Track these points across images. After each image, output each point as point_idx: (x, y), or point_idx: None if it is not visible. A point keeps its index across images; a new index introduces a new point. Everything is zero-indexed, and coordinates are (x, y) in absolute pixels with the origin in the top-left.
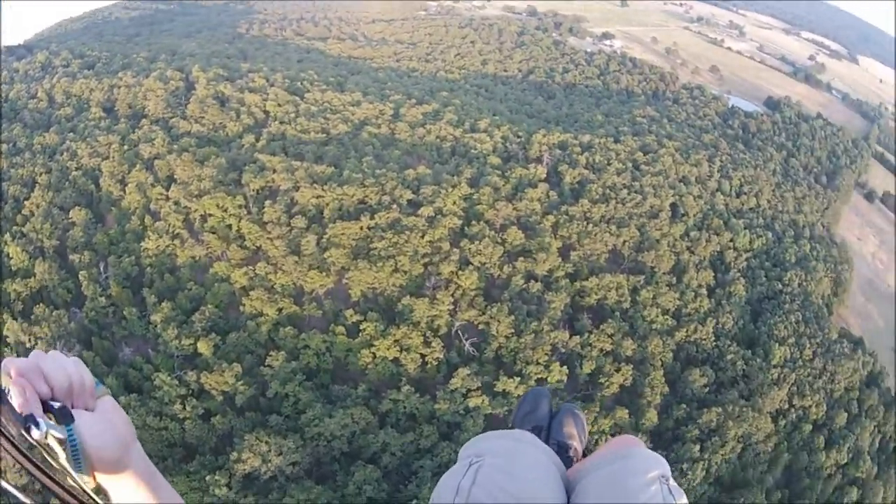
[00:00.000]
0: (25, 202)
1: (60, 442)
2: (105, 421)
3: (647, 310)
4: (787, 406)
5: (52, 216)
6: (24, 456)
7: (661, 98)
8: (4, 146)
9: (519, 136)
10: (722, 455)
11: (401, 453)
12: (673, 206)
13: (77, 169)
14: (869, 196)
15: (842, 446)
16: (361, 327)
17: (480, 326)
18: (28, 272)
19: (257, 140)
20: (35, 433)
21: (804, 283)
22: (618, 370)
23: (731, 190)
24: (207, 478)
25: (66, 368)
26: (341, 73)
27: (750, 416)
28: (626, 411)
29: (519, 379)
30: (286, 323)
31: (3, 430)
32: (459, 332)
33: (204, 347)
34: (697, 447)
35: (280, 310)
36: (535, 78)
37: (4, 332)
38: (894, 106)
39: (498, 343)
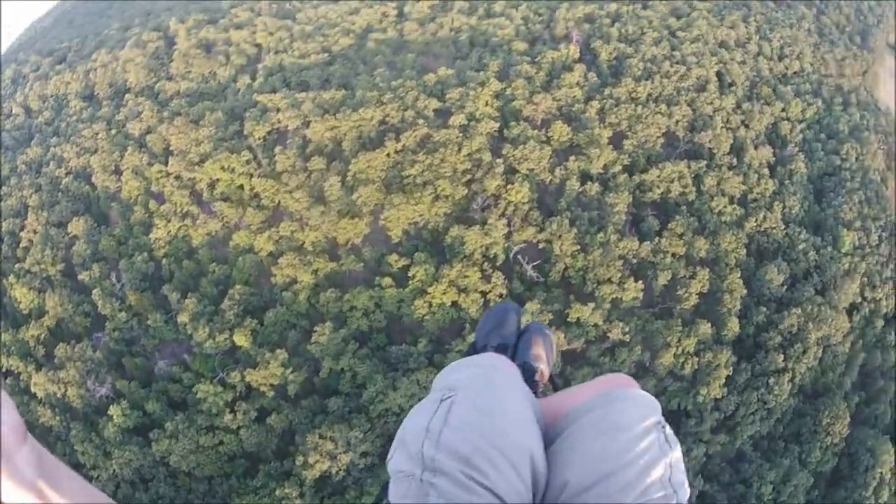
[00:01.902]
0: (21, 233)
1: None
2: None
3: (715, 200)
4: (859, 299)
5: (50, 238)
6: None
7: None
8: None
9: (540, 15)
10: (805, 363)
11: None
12: (719, 74)
13: (67, 174)
14: None
15: None
16: (410, 273)
17: (541, 245)
18: (41, 310)
19: (253, 79)
20: None
21: (861, 157)
22: (693, 276)
23: (772, 53)
24: (277, 492)
25: None
26: None
27: (828, 314)
28: (709, 324)
29: (593, 304)
30: (325, 285)
31: None
32: (519, 256)
33: (241, 339)
34: (781, 356)
35: (315, 271)
36: None
37: (33, 390)
38: None
39: (563, 263)
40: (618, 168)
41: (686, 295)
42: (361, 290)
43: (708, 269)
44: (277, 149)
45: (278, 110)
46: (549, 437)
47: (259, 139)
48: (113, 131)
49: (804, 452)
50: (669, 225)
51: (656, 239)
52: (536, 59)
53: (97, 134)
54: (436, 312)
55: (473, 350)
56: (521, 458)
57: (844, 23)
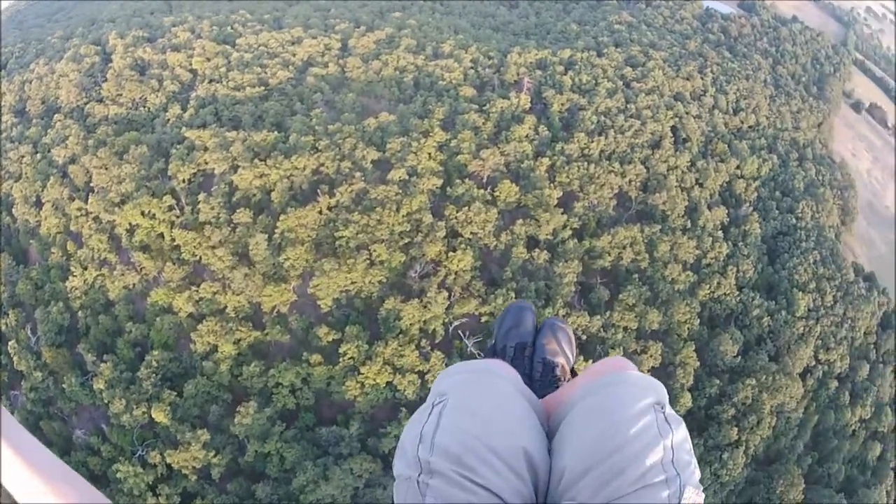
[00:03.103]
0: None
1: None
2: None
3: (668, 267)
4: (813, 362)
5: None
6: None
7: (633, 0)
8: None
9: (490, 58)
10: (759, 434)
11: None
12: (674, 129)
13: None
14: (856, 106)
15: (865, 400)
16: (341, 350)
17: (484, 319)
18: None
19: (184, 110)
20: None
21: (816, 215)
22: (645, 350)
23: (728, 106)
24: None
25: None
26: (278, 6)
27: (782, 382)
28: None
29: None
30: (249, 356)
31: None
32: (459, 332)
33: (160, 415)
34: (735, 429)
35: (238, 341)
36: None
37: None
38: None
39: None
40: (567, 233)
41: None
42: (288, 365)
43: (660, 343)
44: (202, 195)
45: (206, 149)
46: (552, 431)
47: (183, 182)
48: (38, 156)
49: None
50: (620, 295)
51: (607, 312)
52: (485, 108)
53: (23, 157)
54: (368, 393)
55: (493, 351)
56: (514, 454)
57: (801, 73)
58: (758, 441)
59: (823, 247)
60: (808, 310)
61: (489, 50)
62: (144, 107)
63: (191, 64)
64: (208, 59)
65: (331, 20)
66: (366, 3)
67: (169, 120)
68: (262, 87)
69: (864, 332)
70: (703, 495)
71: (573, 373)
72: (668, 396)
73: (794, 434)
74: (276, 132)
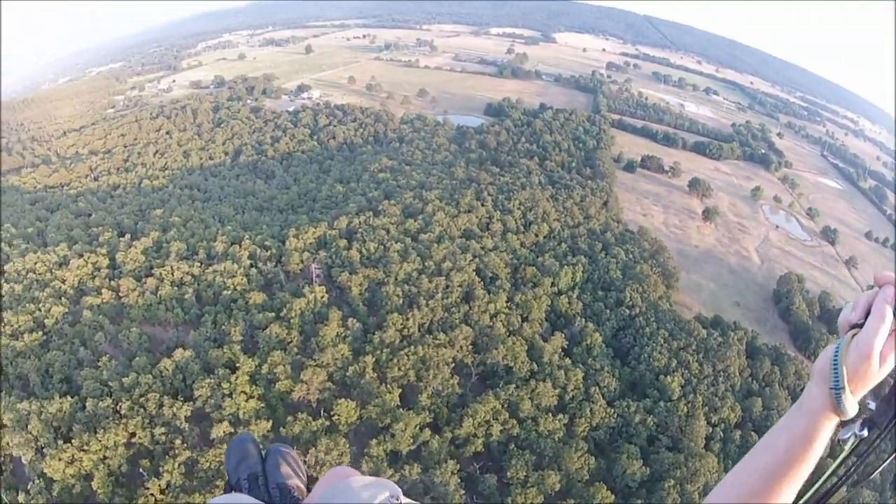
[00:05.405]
0: None
1: None
2: None
3: (541, 422)
4: (710, 429)
5: None
6: None
7: (386, 141)
8: None
9: (268, 248)
10: None
11: None
12: (478, 271)
13: None
14: (629, 167)
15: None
16: None
17: None
18: None
19: None
20: None
21: (644, 294)
22: None
23: (517, 224)
24: None
25: None
26: (41, 213)
27: (694, 466)
28: None
29: None
30: None
31: None
32: None
33: None
34: None
35: None
36: (245, 158)
37: None
38: None
39: None
40: (427, 434)
41: None
42: None
43: (570, 499)
44: (21, 498)
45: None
46: None
47: None
48: None
49: None
50: (508, 473)
51: (507, 499)
52: (282, 314)
53: None
54: None
55: (229, 486)
56: None
57: (568, 159)
58: None
59: (665, 321)
60: (681, 387)
61: (264, 239)
62: None
63: None
64: None
65: (92, 228)
66: (124, 203)
67: None
68: (41, 332)
69: (739, 372)
70: None
71: (309, 489)
72: (399, 490)
73: None
74: (68, 397)
